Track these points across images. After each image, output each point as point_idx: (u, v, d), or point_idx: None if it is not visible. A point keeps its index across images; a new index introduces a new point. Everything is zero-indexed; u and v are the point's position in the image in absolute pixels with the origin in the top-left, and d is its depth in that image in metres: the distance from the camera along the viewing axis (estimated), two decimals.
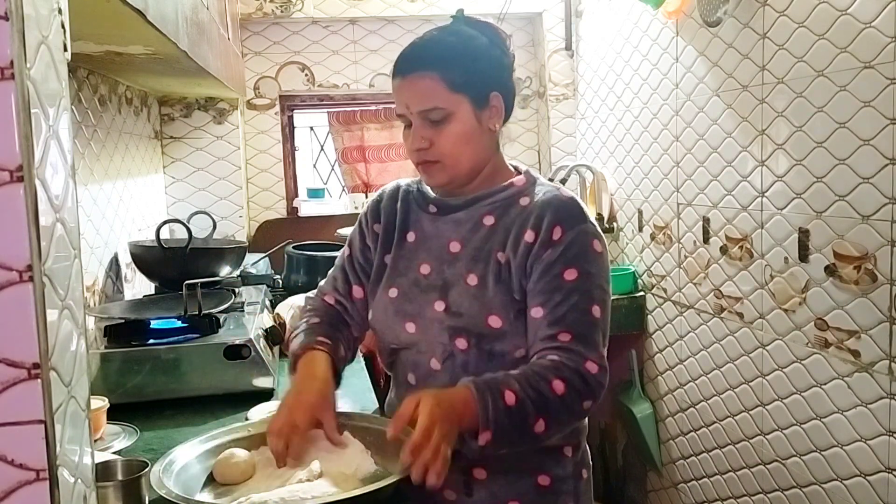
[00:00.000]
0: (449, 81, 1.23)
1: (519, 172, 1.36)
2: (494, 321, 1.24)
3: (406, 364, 1.34)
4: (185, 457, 1.28)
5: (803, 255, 1.89)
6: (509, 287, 1.25)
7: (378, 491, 1.15)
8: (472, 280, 1.26)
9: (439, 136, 1.25)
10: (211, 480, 1.28)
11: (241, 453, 1.29)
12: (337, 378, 1.33)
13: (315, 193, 3.46)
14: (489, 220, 1.30)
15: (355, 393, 1.80)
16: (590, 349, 1.20)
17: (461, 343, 1.26)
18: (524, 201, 1.29)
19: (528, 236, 1.24)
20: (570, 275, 1.21)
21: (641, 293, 2.74)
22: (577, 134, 3.28)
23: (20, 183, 0.68)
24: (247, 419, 1.56)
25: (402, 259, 1.36)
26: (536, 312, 1.22)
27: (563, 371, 1.17)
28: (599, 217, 2.97)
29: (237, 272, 2.37)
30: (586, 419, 1.34)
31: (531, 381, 1.15)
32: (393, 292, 1.34)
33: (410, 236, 1.37)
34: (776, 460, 2.05)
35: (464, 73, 1.24)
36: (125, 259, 2.36)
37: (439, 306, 1.27)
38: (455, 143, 1.25)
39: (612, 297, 2.83)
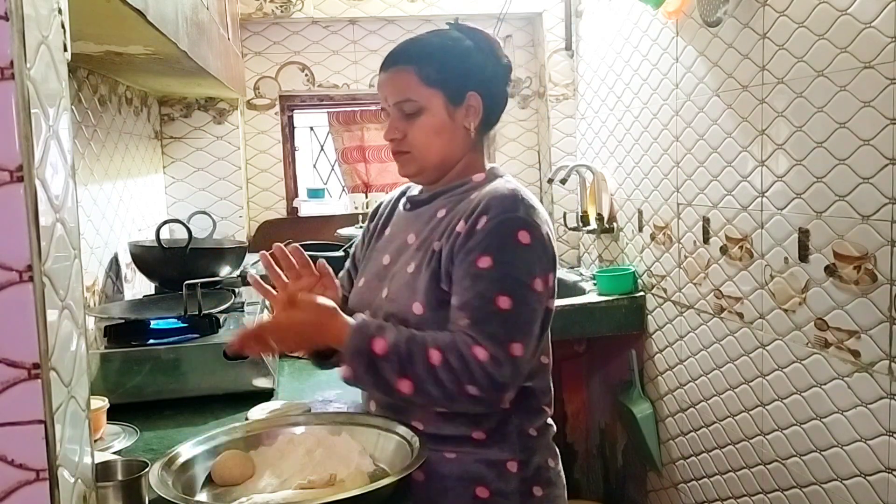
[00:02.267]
0: (424, 76, 1.30)
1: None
2: (417, 308, 1.27)
3: None
4: (185, 457, 1.28)
5: (803, 255, 1.89)
6: (437, 276, 1.27)
7: (378, 491, 1.15)
8: (410, 268, 1.32)
9: (411, 128, 1.31)
10: (210, 481, 1.28)
11: (239, 454, 1.29)
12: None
13: (315, 193, 3.46)
14: (441, 214, 1.34)
15: (355, 393, 1.80)
16: (483, 337, 1.17)
17: (407, 323, 1.30)
18: (473, 195, 1.31)
19: (460, 226, 1.26)
20: (484, 262, 1.21)
21: (641, 293, 2.74)
22: (577, 134, 3.28)
23: (20, 183, 0.68)
24: (247, 419, 1.56)
25: (374, 252, 1.45)
26: (452, 300, 1.24)
27: (446, 347, 1.18)
28: (599, 217, 2.97)
29: (237, 272, 2.37)
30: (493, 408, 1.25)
31: (410, 341, 1.19)
32: (360, 282, 1.44)
33: (387, 231, 1.46)
34: (776, 460, 2.05)
35: (439, 70, 1.30)
36: (125, 259, 2.36)
37: (383, 293, 1.34)
38: (426, 135, 1.31)
39: (613, 298, 2.81)
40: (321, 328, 1.23)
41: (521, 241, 1.22)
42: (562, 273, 3.22)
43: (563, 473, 1.41)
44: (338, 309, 1.26)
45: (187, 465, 1.27)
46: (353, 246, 1.56)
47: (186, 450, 1.30)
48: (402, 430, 1.35)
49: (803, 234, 1.88)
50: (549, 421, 1.40)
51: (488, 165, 1.40)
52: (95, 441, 1.42)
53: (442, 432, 1.30)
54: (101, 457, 1.20)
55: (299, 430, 1.42)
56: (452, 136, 1.32)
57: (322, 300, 1.26)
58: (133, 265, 2.36)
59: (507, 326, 1.19)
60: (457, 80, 1.31)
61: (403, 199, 1.46)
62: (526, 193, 1.29)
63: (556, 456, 1.40)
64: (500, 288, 1.20)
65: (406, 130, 1.32)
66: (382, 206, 1.54)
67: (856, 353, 1.74)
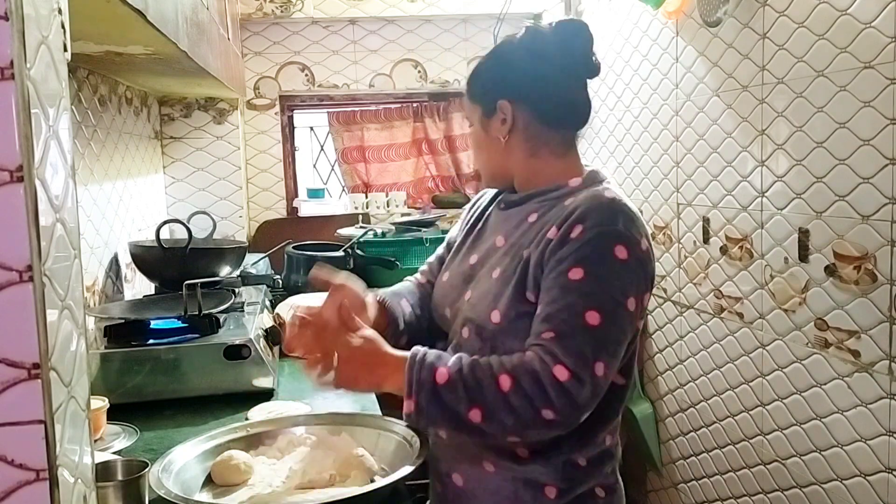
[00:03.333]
0: (470, 93, 1.33)
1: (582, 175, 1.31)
2: (495, 316, 1.21)
3: (440, 346, 1.32)
4: (185, 457, 1.29)
5: (803, 255, 1.89)
6: (524, 284, 1.20)
7: (378, 491, 1.15)
8: (496, 274, 1.25)
9: (469, 141, 1.43)
10: (210, 481, 1.28)
11: (239, 455, 1.29)
12: (391, 322, 1.35)
13: (315, 193, 3.46)
14: (532, 218, 1.27)
15: (355, 393, 1.80)
16: (566, 353, 1.09)
17: (465, 332, 1.25)
18: (568, 201, 1.23)
19: (552, 233, 1.18)
20: (576, 274, 1.12)
21: None
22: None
23: (20, 183, 0.68)
24: (246, 419, 1.56)
25: (463, 248, 1.40)
26: (538, 310, 1.16)
27: (517, 370, 1.10)
28: None
29: (237, 272, 2.37)
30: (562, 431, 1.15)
31: (476, 369, 1.11)
32: (445, 276, 1.39)
33: (479, 228, 1.40)
34: (776, 460, 2.05)
35: (476, 84, 1.32)
36: (125, 259, 2.36)
37: (466, 296, 1.29)
38: (472, 148, 1.40)
39: None
40: (372, 365, 1.16)
41: (617, 256, 1.14)
42: None
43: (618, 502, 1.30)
44: (385, 349, 1.18)
45: (186, 465, 1.27)
46: (452, 228, 1.55)
47: (186, 450, 1.30)
48: (402, 430, 1.35)
49: (803, 234, 1.88)
50: (610, 450, 1.29)
51: (587, 169, 1.32)
52: (95, 441, 1.42)
53: (485, 442, 1.22)
54: (101, 457, 1.20)
55: (299, 430, 1.42)
56: (489, 148, 1.31)
57: (367, 332, 1.19)
58: (133, 265, 2.36)
59: (594, 344, 1.10)
60: (488, 92, 1.28)
61: (500, 197, 1.38)
62: (627, 204, 1.21)
63: (612, 487, 1.29)
64: (591, 303, 1.11)
65: (472, 150, 1.41)
66: (483, 198, 1.46)
67: (856, 353, 1.74)
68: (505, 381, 1.09)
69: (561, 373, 1.08)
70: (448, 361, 1.13)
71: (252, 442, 1.38)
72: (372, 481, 1.23)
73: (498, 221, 1.35)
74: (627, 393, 1.28)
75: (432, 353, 1.15)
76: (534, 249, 1.20)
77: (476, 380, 1.11)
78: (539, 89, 1.27)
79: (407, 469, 1.21)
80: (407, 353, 1.15)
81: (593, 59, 1.29)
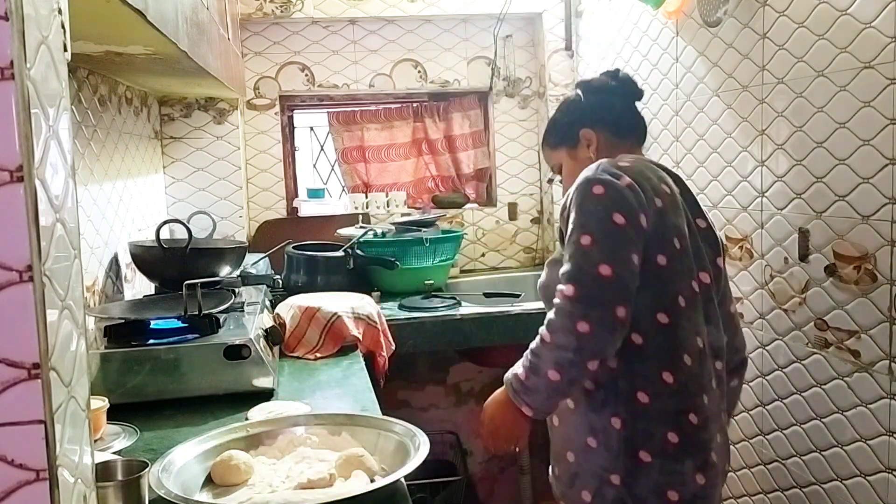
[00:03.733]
0: (551, 145, 1.76)
1: None
2: (549, 278, 1.51)
3: None
4: (184, 457, 1.28)
5: (803, 255, 1.89)
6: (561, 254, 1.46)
7: (377, 491, 1.15)
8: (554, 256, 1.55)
9: (564, 178, 1.74)
10: (209, 481, 1.28)
11: (239, 455, 1.29)
12: None
13: (315, 193, 3.46)
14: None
15: (355, 393, 1.80)
16: (568, 276, 1.35)
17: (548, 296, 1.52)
18: None
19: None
20: (571, 218, 1.41)
21: None
22: None
23: (20, 183, 0.68)
24: (246, 419, 1.56)
25: None
26: None
27: (548, 317, 1.38)
28: None
29: (237, 272, 2.37)
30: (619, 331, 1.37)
31: (530, 347, 1.42)
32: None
33: None
34: (776, 460, 2.05)
35: (555, 134, 1.74)
36: (125, 259, 2.36)
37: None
38: (567, 180, 1.69)
39: None
40: (497, 404, 1.50)
41: (594, 192, 1.41)
42: None
43: (697, 456, 1.43)
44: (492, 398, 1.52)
45: (186, 465, 1.27)
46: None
47: (186, 450, 1.30)
48: (402, 430, 1.35)
49: (803, 234, 1.88)
50: (672, 389, 1.42)
51: (630, 157, 1.58)
52: (95, 441, 1.42)
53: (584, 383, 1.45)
54: (101, 457, 1.20)
55: (299, 430, 1.42)
56: (583, 169, 1.53)
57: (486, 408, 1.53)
58: (133, 265, 2.36)
59: (589, 257, 1.35)
60: (566, 132, 1.69)
61: None
62: (612, 163, 1.48)
63: (685, 432, 1.42)
64: (582, 230, 1.38)
65: (564, 180, 1.73)
66: None
67: (856, 353, 1.74)
68: (543, 336, 1.38)
69: (567, 290, 1.35)
70: (517, 364, 1.44)
71: (252, 442, 1.38)
72: (372, 481, 1.23)
73: None
74: (680, 332, 1.43)
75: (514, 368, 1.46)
76: (562, 222, 1.52)
77: (531, 352, 1.40)
78: (605, 111, 1.67)
79: (407, 469, 1.21)
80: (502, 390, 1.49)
81: (637, 85, 1.71)
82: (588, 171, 1.47)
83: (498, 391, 1.49)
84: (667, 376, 1.41)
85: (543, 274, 1.56)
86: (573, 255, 1.37)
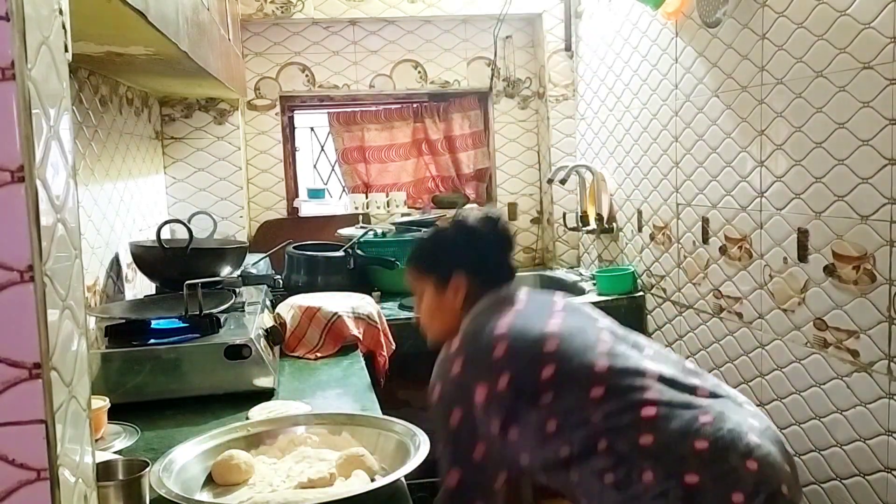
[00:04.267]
0: (418, 268, 1.61)
1: None
2: None
3: None
4: (185, 457, 1.29)
5: (802, 255, 1.89)
6: None
7: (378, 490, 1.15)
8: None
9: (420, 309, 1.61)
10: (210, 481, 1.28)
11: (240, 454, 1.29)
12: None
13: (315, 194, 3.46)
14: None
15: (355, 392, 1.80)
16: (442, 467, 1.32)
17: None
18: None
19: None
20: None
21: (641, 293, 2.74)
22: (577, 134, 3.29)
23: (21, 183, 0.69)
24: (247, 419, 1.56)
25: None
26: None
27: None
28: (599, 217, 2.97)
29: (238, 272, 2.37)
30: None
31: None
32: None
33: None
34: None
35: (428, 262, 1.60)
36: (126, 259, 2.36)
37: None
38: (424, 316, 1.60)
39: (612, 297, 2.83)
40: None
41: (434, 398, 1.36)
42: (561, 273, 3.22)
43: None
44: None
45: (187, 465, 1.27)
46: None
47: (187, 449, 1.30)
48: (402, 429, 1.35)
49: (802, 235, 1.88)
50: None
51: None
52: (96, 441, 1.42)
53: None
54: (101, 456, 1.20)
55: (300, 429, 1.42)
56: (444, 313, 1.55)
57: None
58: (134, 265, 2.36)
59: (441, 464, 1.32)
60: (441, 268, 1.56)
61: None
62: (448, 347, 1.40)
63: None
64: (438, 434, 1.34)
65: (419, 311, 1.63)
66: None
67: (855, 353, 1.74)
68: None
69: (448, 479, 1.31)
70: None
71: (252, 441, 1.39)
72: (372, 480, 1.23)
73: None
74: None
75: None
76: None
77: None
78: (481, 261, 1.56)
79: (407, 468, 1.21)
80: None
81: (510, 235, 1.62)
82: (451, 347, 1.41)
83: None
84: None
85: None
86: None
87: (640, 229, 2.75)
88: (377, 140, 3.52)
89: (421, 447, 1.27)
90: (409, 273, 1.64)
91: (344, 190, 3.61)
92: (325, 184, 3.66)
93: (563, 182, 2.93)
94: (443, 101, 3.52)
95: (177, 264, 2.16)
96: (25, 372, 0.70)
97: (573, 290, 2.92)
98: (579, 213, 3.12)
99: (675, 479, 1.19)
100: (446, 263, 1.58)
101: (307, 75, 3.35)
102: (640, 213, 2.74)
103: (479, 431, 1.30)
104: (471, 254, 1.58)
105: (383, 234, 2.99)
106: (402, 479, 1.23)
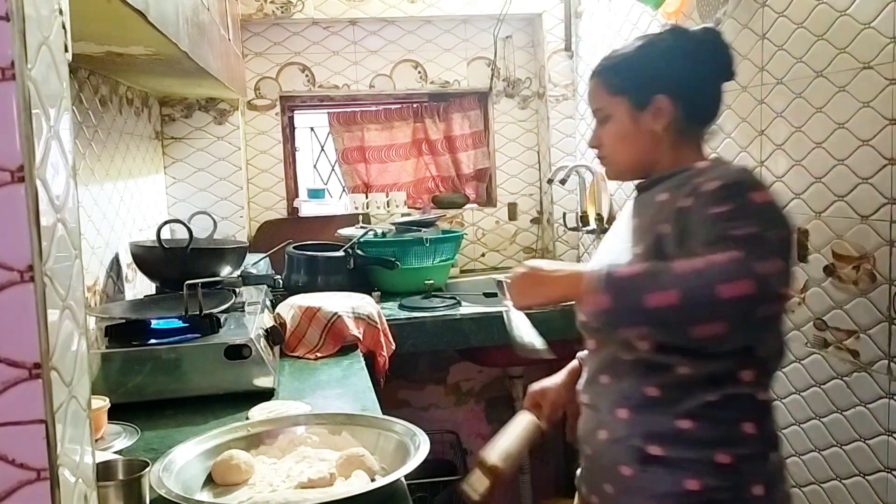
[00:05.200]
0: (608, 86, 1.37)
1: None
2: None
3: None
4: (185, 457, 1.29)
5: (802, 255, 1.89)
6: (659, 256, 1.23)
7: (378, 490, 1.15)
8: (638, 249, 1.29)
9: (604, 135, 1.39)
10: (210, 480, 1.28)
11: (240, 454, 1.29)
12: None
13: (315, 194, 3.46)
14: (662, 197, 1.31)
15: (355, 392, 1.80)
16: (737, 244, 1.11)
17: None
18: (697, 180, 1.26)
19: (685, 202, 1.22)
20: (720, 208, 1.16)
21: None
22: (577, 134, 3.29)
23: (21, 183, 0.69)
24: (247, 419, 1.56)
25: (604, 237, 1.49)
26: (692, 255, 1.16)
27: (688, 261, 1.13)
28: (599, 217, 2.97)
29: (238, 272, 2.37)
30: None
31: (653, 265, 1.18)
32: (593, 266, 1.33)
33: (617, 219, 1.48)
34: None
35: (623, 78, 1.35)
36: (126, 259, 2.37)
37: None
38: (613, 142, 1.38)
39: None
40: (556, 276, 1.26)
41: (755, 199, 1.17)
42: None
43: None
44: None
45: (187, 465, 1.27)
46: None
47: (187, 449, 1.30)
48: (402, 429, 1.35)
49: (802, 235, 1.88)
50: (748, 393, 1.26)
51: (713, 156, 1.40)
52: (96, 441, 1.43)
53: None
54: (101, 456, 1.20)
55: (300, 429, 1.42)
56: (638, 140, 1.35)
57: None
58: (134, 265, 2.36)
59: (747, 245, 1.11)
60: (641, 86, 1.34)
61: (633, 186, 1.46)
62: (748, 170, 1.29)
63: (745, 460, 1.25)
64: (738, 222, 1.13)
65: (601, 137, 1.39)
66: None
67: (855, 353, 1.74)
68: (679, 266, 1.12)
69: (721, 256, 1.10)
70: (629, 264, 1.22)
71: (253, 441, 1.39)
72: (372, 480, 1.23)
73: (634, 206, 1.41)
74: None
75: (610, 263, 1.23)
76: (671, 225, 1.23)
77: (656, 270, 1.14)
78: (694, 89, 1.35)
79: (407, 468, 1.21)
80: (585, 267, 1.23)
81: (733, 65, 1.39)
82: (741, 171, 1.25)
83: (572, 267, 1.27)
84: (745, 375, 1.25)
85: (630, 261, 1.29)
86: (726, 238, 1.13)
87: None
88: (377, 140, 3.52)
89: (421, 447, 1.27)
90: (596, 89, 1.39)
91: (344, 190, 3.61)
92: (325, 184, 3.66)
93: (563, 182, 2.93)
94: (443, 101, 3.52)
95: (177, 264, 2.16)
96: (25, 372, 0.70)
97: None
98: (579, 213, 3.12)
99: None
100: (652, 82, 1.34)
101: (307, 75, 3.35)
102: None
103: (789, 274, 1.15)
104: (686, 75, 1.34)
105: (383, 234, 2.99)
106: (402, 480, 1.23)
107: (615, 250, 1.37)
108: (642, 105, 1.34)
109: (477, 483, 1.34)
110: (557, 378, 1.57)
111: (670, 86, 1.33)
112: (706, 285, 1.08)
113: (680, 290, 1.10)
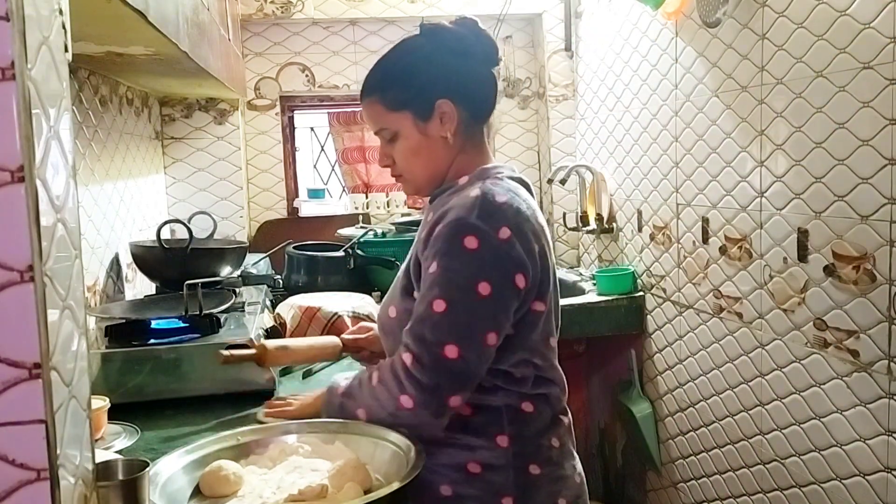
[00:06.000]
0: (386, 103, 1.31)
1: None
2: (391, 311, 1.34)
3: None
4: (171, 468, 1.24)
5: (802, 255, 1.89)
6: (409, 282, 1.30)
7: (371, 503, 1.12)
8: (401, 272, 1.36)
9: (395, 153, 1.35)
10: (198, 492, 1.23)
11: (229, 465, 1.25)
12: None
13: (315, 194, 3.46)
14: (429, 217, 1.34)
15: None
16: (411, 340, 1.20)
17: (378, 329, 1.43)
18: (452, 200, 1.29)
19: (424, 234, 1.28)
20: (433, 268, 1.21)
21: (641, 293, 2.74)
22: (577, 134, 3.29)
23: (21, 183, 0.69)
24: (257, 420, 1.54)
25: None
26: None
27: (383, 365, 1.26)
28: (599, 217, 2.97)
29: (238, 272, 2.37)
30: (441, 417, 1.24)
31: (363, 373, 1.32)
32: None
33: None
34: (775, 460, 2.06)
35: (401, 92, 1.30)
36: (126, 259, 2.37)
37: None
38: (406, 157, 1.34)
39: (612, 298, 2.81)
40: (310, 397, 1.45)
41: (466, 246, 1.19)
42: (561, 273, 3.22)
43: (572, 456, 1.39)
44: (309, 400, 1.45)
45: (173, 476, 1.23)
46: None
47: (173, 460, 1.26)
48: (396, 439, 1.31)
49: (802, 235, 1.88)
50: (553, 395, 1.34)
51: (488, 164, 1.37)
52: (96, 441, 1.42)
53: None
54: (101, 456, 1.19)
55: (291, 438, 1.38)
56: (432, 150, 1.33)
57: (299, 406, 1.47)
58: (134, 265, 2.36)
59: (438, 329, 1.19)
60: (420, 96, 1.30)
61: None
62: (487, 197, 1.23)
63: (562, 435, 1.36)
64: (438, 292, 1.19)
65: (392, 156, 1.36)
66: None
67: (855, 353, 1.74)
68: (374, 377, 1.27)
69: (407, 358, 1.20)
70: (353, 378, 1.34)
71: (242, 451, 1.33)
72: (366, 493, 1.20)
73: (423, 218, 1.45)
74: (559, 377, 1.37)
75: (341, 378, 1.37)
76: (417, 249, 1.29)
77: (359, 382, 1.30)
78: (470, 85, 1.32)
79: (403, 480, 1.18)
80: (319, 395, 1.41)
81: (497, 49, 1.36)
82: (463, 209, 1.22)
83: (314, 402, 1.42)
84: (546, 388, 1.34)
85: (390, 304, 1.36)
86: (422, 317, 1.20)
87: (640, 229, 2.75)
88: (377, 140, 3.51)
89: (417, 458, 1.24)
90: (373, 109, 1.33)
91: (344, 190, 3.61)
92: (325, 184, 3.66)
93: (562, 182, 2.93)
94: None
95: (177, 264, 2.16)
96: (25, 372, 0.70)
97: (573, 290, 2.92)
98: (579, 213, 3.12)
99: None
100: (430, 89, 1.29)
101: (307, 75, 3.35)
102: (640, 213, 2.74)
103: (501, 314, 1.22)
104: (459, 73, 1.31)
105: (383, 234, 2.99)
106: (397, 492, 1.21)
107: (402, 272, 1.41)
108: (427, 115, 1.30)
109: (237, 350, 1.56)
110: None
111: (448, 88, 1.30)
112: (386, 399, 1.25)
113: (367, 409, 1.28)
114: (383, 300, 1.42)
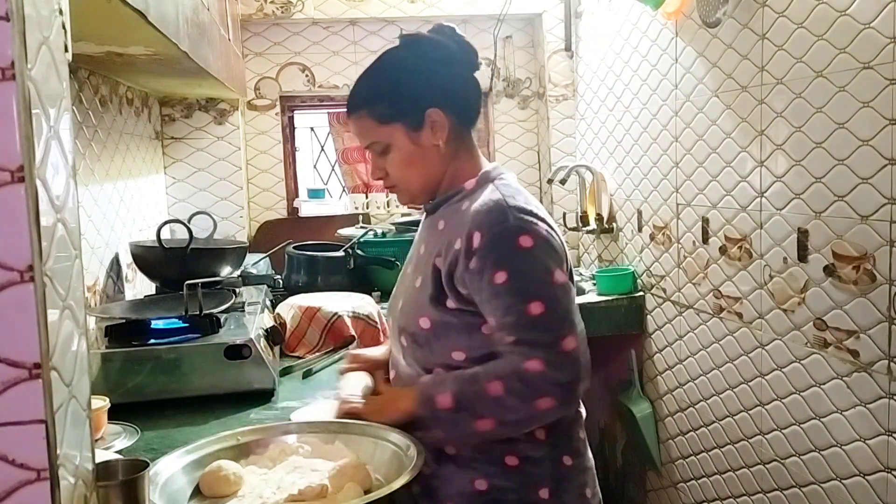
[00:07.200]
0: (376, 116, 1.33)
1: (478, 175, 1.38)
2: (424, 322, 1.31)
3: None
4: (171, 468, 1.24)
5: (802, 255, 1.89)
6: (441, 293, 1.29)
7: (372, 503, 1.12)
8: (418, 283, 1.35)
9: (387, 165, 1.36)
10: (197, 493, 1.23)
11: (229, 465, 1.25)
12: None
13: (315, 194, 3.46)
14: (441, 225, 1.37)
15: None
16: (532, 348, 1.21)
17: (404, 340, 1.37)
18: (465, 206, 1.32)
19: (457, 244, 1.27)
20: (499, 278, 1.22)
21: (641, 293, 2.74)
22: (577, 134, 3.29)
23: (21, 183, 0.69)
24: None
25: (407, 259, 1.49)
26: (489, 321, 1.26)
27: (503, 374, 1.22)
28: (599, 217, 2.97)
29: (238, 272, 2.37)
30: (577, 407, 1.33)
31: (471, 383, 1.24)
32: (394, 289, 1.49)
33: (415, 238, 1.50)
34: (775, 460, 2.06)
35: (391, 104, 1.32)
36: (126, 259, 2.37)
37: (399, 304, 1.41)
38: (400, 169, 1.36)
39: (612, 297, 2.82)
40: (392, 403, 1.34)
41: (523, 245, 1.23)
42: None
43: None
44: (390, 396, 1.38)
45: (173, 476, 1.23)
46: None
47: (172, 460, 1.26)
48: (397, 438, 1.31)
49: (802, 235, 1.88)
50: (583, 447, 1.37)
51: (487, 166, 1.39)
52: (96, 441, 1.42)
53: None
54: (102, 456, 1.19)
55: (291, 438, 1.38)
56: (425, 160, 1.35)
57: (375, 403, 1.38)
58: (134, 265, 2.36)
59: (549, 328, 1.22)
60: (410, 107, 1.32)
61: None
62: (511, 199, 1.28)
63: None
64: (527, 296, 1.21)
65: (385, 167, 1.37)
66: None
67: (855, 353, 1.74)
68: (495, 387, 1.21)
69: (533, 366, 1.20)
70: (448, 386, 1.26)
71: (242, 451, 1.34)
72: (367, 493, 1.20)
73: (423, 229, 1.45)
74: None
75: (432, 382, 1.29)
76: (443, 261, 1.29)
77: (475, 395, 1.23)
78: (457, 92, 1.36)
79: (402, 480, 1.17)
80: (414, 389, 1.31)
81: (476, 54, 1.40)
82: (498, 213, 1.25)
83: (402, 393, 1.35)
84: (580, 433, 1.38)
85: (412, 296, 1.36)
86: (523, 324, 1.21)
87: (640, 229, 2.75)
88: None
89: (417, 458, 1.24)
90: (362, 123, 1.35)
91: (344, 190, 3.61)
92: (325, 184, 3.66)
93: (563, 182, 2.93)
94: None
95: (177, 264, 2.16)
96: (25, 372, 0.70)
97: None
98: (579, 213, 3.12)
99: None
100: (419, 99, 1.32)
101: (307, 75, 3.35)
102: (640, 213, 2.74)
103: (572, 294, 1.27)
104: (445, 81, 1.34)
105: (383, 234, 2.99)
106: (398, 492, 1.21)
107: (407, 283, 1.41)
108: (418, 125, 1.32)
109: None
110: (376, 351, 1.58)
111: (436, 96, 1.32)
112: (520, 406, 1.21)
113: (496, 419, 1.23)
114: (401, 308, 1.39)
